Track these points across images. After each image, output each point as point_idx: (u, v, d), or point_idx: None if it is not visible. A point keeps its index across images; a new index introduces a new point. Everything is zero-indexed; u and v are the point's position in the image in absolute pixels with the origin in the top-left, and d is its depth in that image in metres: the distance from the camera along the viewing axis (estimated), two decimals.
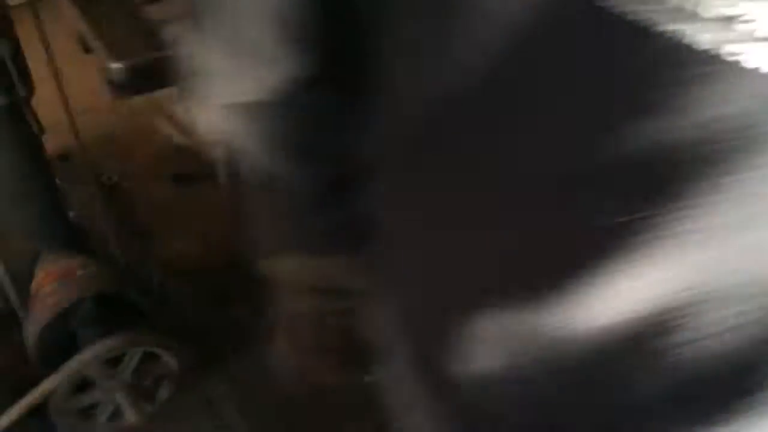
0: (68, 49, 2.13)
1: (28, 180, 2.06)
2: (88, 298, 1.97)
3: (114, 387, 1.89)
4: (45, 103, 2.03)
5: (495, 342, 0.51)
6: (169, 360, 1.95)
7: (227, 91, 0.66)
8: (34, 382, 1.89)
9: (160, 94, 3.26)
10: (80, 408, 1.92)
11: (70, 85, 2.18)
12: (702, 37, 0.34)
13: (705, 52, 0.34)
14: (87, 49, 1.98)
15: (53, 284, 1.96)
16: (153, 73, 1.77)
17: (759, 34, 0.33)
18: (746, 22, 0.33)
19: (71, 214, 2.31)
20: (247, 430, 2.19)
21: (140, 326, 1.97)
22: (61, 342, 2.02)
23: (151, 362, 1.95)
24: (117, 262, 2.23)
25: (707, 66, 0.34)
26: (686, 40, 0.34)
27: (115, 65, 1.75)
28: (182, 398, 2.14)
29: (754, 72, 0.33)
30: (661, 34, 0.34)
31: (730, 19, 0.33)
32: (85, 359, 1.81)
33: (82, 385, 1.87)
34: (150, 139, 3.18)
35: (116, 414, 1.99)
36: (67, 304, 1.92)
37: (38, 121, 2.01)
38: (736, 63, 0.33)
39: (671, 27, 0.34)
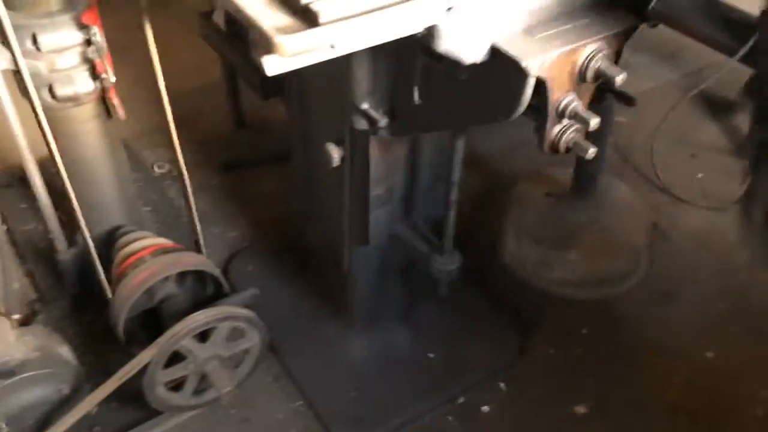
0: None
1: (110, 162, 2.14)
2: (172, 275, 2.06)
3: (203, 360, 1.98)
4: None
5: None
6: (254, 335, 2.04)
7: None
8: (113, 362, 1.98)
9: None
10: (169, 381, 2.00)
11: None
12: None
13: None
14: None
15: (138, 263, 2.04)
16: None
17: None
18: None
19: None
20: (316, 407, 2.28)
21: (224, 302, 2.06)
22: (145, 319, 2.11)
23: (235, 337, 2.03)
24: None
25: None
26: None
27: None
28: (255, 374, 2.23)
29: None
30: None
31: None
32: (178, 332, 1.89)
33: (172, 358, 1.96)
34: (197, 127, 3.26)
35: (200, 388, 2.08)
36: (153, 282, 2.00)
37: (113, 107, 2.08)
38: None
39: None
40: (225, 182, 3.09)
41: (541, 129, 1.40)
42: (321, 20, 1.10)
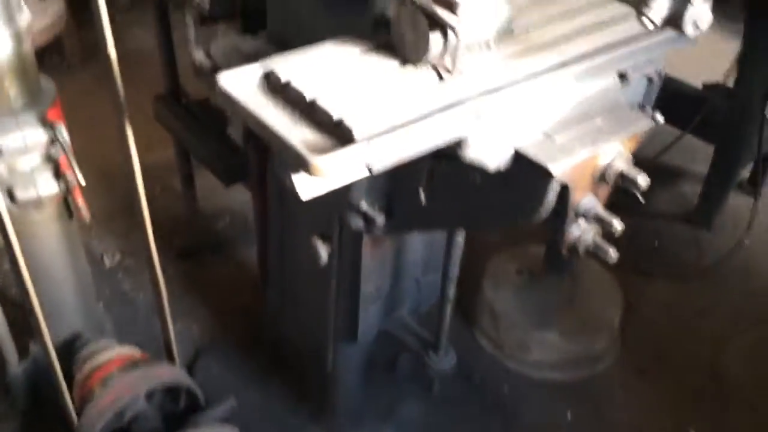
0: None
1: (70, 265, 1.97)
2: (144, 393, 1.88)
3: None
4: None
5: None
6: None
7: None
8: None
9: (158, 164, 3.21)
10: None
11: None
12: None
13: None
14: None
15: (106, 380, 1.85)
16: None
17: None
18: None
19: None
20: None
21: (199, 414, 1.89)
22: None
23: None
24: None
25: None
26: None
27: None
28: None
29: None
30: None
31: None
32: None
33: None
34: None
35: None
36: (124, 403, 1.81)
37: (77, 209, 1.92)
38: None
39: None
40: (182, 270, 2.92)
41: (559, 231, 1.36)
42: (356, 137, 1.03)
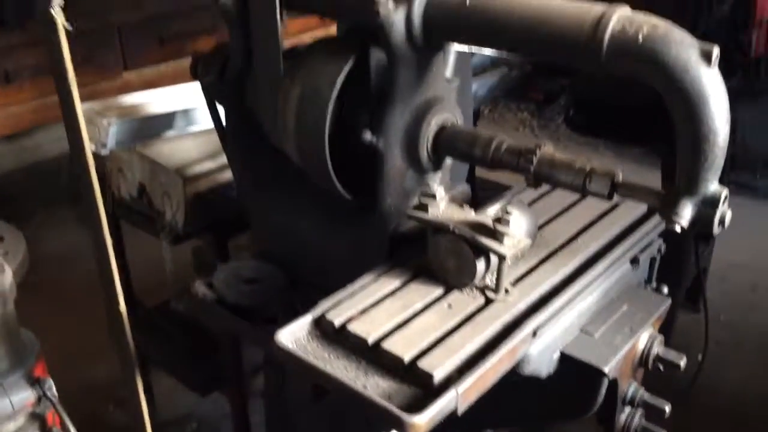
0: None
1: None
2: None
3: None
4: None
5: None
6: None
7: None
8: None
9: None
10: None
11: None
12: None
13: None
14: None
15: None
16: None
17: None
18: None
19: None
20: None
21: None
22: None
23: None
24: None
25: None
26: None
27: None
28: None
29: None
30: None
31: None
32: None
33: None
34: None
35: None
36: None
37: None
38: None
39: None
40: None
41: (608, 421, 1.36)
42: (435, 380, 1.02)
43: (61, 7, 1.06)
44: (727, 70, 2.61)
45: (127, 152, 2.07)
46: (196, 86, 2.16)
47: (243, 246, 2.16)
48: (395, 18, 1.18)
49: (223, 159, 2.09)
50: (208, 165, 2.08)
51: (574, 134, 2.93)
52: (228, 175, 2.01)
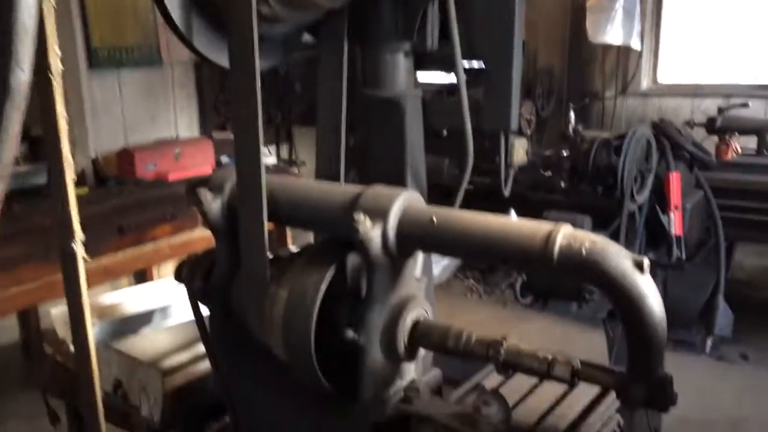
0: None
1: None
2: None
3: None
4: None
5: None
6: None
7: None
8: None
9: None
10: None
11: None
12: None
13: None
14: None
15: None
16: None
17: None
18: None
19: None
20: None
21: None
22: None
23: None
24: None
25: None
26: None
27: None
28: None
29: None
30: None
31: None
32: None
33: None
34: None
35: None
36: None
37: None
38: None
39: None
40: None
41: None
42: None
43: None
44: (653, 246, 2.94)
45: (104, 349, 2.13)
46: (166, 283, 2.30)
47: None
48: (373, 234, 1.38)
49: (197, 349, 2.19)
50: (183, 356, 2.16)
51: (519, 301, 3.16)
52: (203, 365, 2.09)
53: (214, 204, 1.59)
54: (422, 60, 1.87)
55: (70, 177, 1.20)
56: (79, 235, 1.20)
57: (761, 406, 3.86)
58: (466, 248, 1.34)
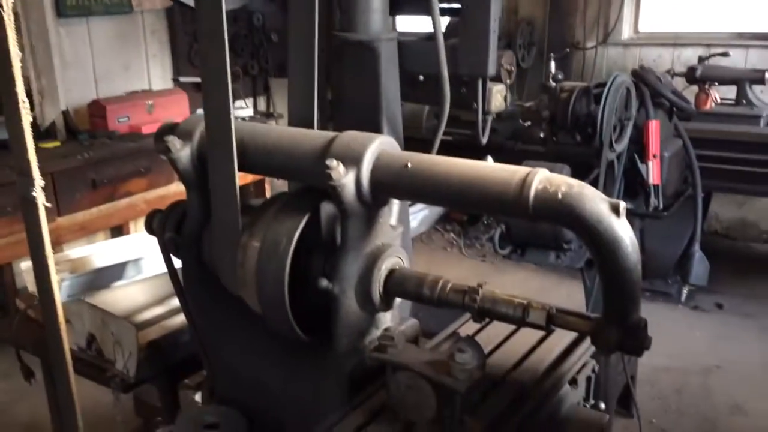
0: None
1: None
2: None
3: None
4: None
5: None
6: None
7: None
8: None
9: None
10: None
11: None
12: None
13: None
14: None
15: None
16: None
17: None
18: None
19: None
20: None
21: None
22: None
23: None
24: None
25: None
26: None
27: None
28: None
29: None
30: None
31: None
32: None
33: None
34: None
35: None
36: None
37: None
38: None
39: None
40: None
41: None
42: None
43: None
44: (631, 195, 2.92)
45: (76, 303, 2.10)
46: (140, 237, 2.25)
47: (192, 387, 2.18)
48: (346, 181, 1.34)
49: (172, 303, 2.16)
50: (157, 311, 2.13)
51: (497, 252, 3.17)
52: (178, 320, 2.07)
53: (183, 152, 1.54)
54: (398, 2, 1.81)
55: (26, 120, 1.14)
56: (38, 181, 1.15)
57: (734, 352, 3.95)
58: (442, 194, 1.31)
